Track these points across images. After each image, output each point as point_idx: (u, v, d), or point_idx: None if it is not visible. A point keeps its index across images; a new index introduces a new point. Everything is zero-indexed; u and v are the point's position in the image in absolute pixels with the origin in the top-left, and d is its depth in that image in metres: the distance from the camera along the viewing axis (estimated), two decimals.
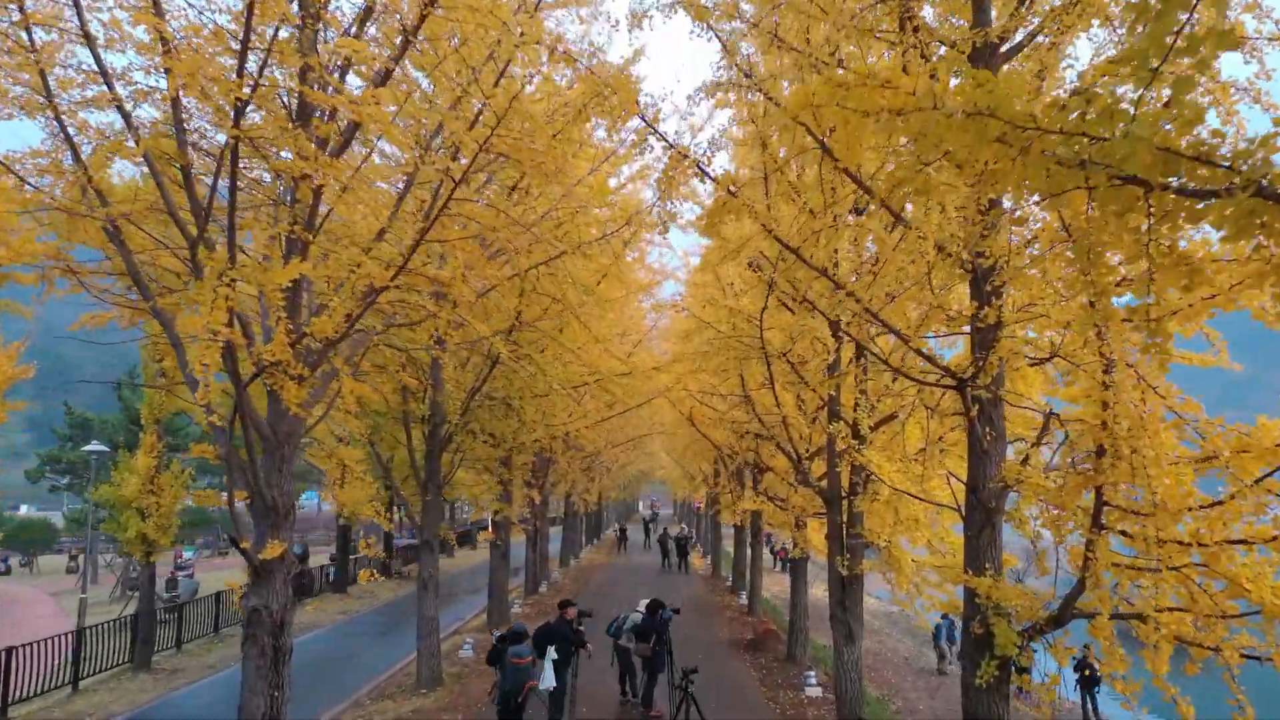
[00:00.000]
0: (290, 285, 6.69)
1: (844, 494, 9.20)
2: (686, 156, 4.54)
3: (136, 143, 5.58)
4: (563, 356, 12.07)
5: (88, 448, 16.25)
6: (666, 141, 4.55)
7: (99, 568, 30.10)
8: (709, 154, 4.59)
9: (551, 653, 9.43)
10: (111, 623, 13.57)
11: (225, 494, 6.52)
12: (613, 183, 11.39)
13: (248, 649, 6.40)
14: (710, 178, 4.55)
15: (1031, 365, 6.20)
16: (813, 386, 8.97)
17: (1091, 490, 4.21)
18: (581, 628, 9.96)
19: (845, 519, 9.16)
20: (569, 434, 16.44)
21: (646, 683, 10.22)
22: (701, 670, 10.37)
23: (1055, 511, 4.22)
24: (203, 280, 4.98)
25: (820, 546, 11.92)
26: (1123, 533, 4.33)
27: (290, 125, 6.31)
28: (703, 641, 15.33)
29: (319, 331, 5.35)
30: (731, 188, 4.44)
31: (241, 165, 7.34)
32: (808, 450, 10.30)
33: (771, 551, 31.18)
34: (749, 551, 19.45)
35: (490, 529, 16.49)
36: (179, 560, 25.50)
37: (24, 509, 59.74)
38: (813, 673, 11.79)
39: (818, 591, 18.93)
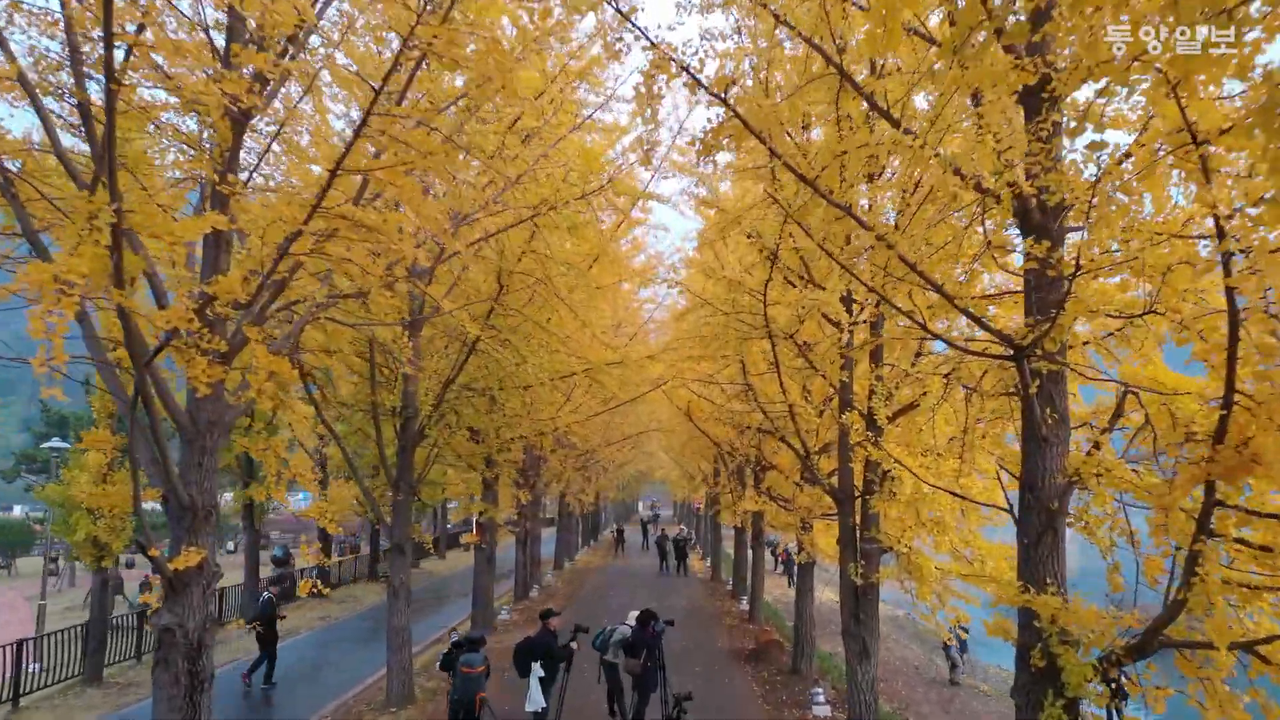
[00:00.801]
0: (211, 244, 5.73)
1: (857, 493, 8.22)
2: (673, 59, 3.55)
3: (10, 65, 4.61)
4: (549, 344, 11.08)
5: (46, 444, 15.26)
6: (647, 39, 3.55)
7: (76, 571, 29.04)
8: (701, 54, 3.60)
9: (537, 669, 8.47)
10: (63, 632, 12.55)
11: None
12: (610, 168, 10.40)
13: (158, 675, 5.42)
14: (702, 85, 3.56)
15: (1082, 341, 5.22)
16: (822, 372, 7.98)
17: (1201, 486, 3.21)
18: (575, 644, 8.99)
19: (859, 521, 8.18)
20: (559, 430, 15.44)
21: (637, 703, 9.20)
22: (699, 685, 9.41)
23: (1155, 514, 3.21)
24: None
25: (828, 551, 10.93)
26: (1238, 541, 3.34)
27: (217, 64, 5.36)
28: (701, 651, 14.32)
29: (224, 292, 4.35)
30: (728, 94, 3.45)
31: (166, 118, 6.40)
32: (816, 444, 9.30)
33: (772, 553, 30.16)
34: (750, 554, 18.44)
35: (475, 531, 15.48)
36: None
37: (18, 509, 58.66)
38: (820, 689, 10.77)
39: (822, 596, 17.93)
